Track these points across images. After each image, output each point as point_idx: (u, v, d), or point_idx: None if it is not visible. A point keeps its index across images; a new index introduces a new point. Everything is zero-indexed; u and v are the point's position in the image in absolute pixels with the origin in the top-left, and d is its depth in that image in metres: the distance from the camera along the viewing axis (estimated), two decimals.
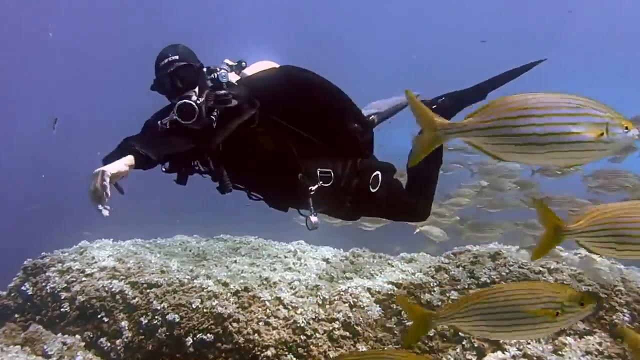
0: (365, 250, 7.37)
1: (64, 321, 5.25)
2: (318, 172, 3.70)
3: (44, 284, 5.66)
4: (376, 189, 3.96)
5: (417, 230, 8.05)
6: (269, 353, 4.81)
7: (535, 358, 4.70)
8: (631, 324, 4.94)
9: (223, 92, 3.45)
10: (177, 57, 3.47)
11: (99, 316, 5.21)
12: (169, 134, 3.40)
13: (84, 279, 5.52)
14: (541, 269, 5.52)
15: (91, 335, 5.11)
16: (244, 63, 3.78)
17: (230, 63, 3.72)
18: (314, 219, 3.75)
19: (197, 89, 3.46)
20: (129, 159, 3.08)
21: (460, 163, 8.59)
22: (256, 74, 3.80)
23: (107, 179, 2.89)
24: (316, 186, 3.68)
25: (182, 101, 3.36)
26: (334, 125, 3.76)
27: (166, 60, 3.45)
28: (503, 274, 5.54)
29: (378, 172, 3.98)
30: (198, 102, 3.39)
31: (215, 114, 3.38)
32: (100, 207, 3.28)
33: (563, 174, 7.22)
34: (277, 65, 3.95)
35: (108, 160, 3.70)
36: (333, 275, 6.18)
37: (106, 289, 5.36)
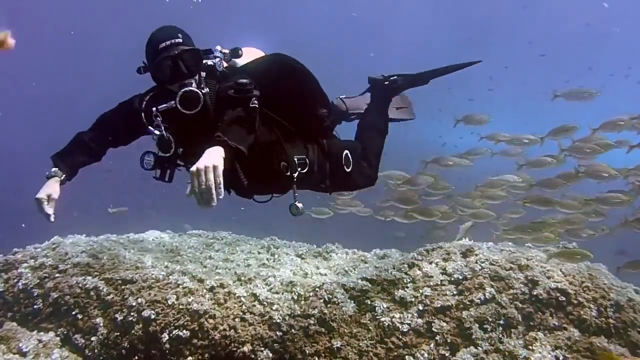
0: (337, 245, 7.44)
1: (37, 318, 5.19)
2: (296, 159, 3.76)
3: (15, 281, 5.57)
4: (350, 168, 4.10)
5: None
6: (245, 349, 4.84)
7: (507, 353, 4.81)
8: (597, 318, 5.08)
9: (245, 81, 3.36)
10: (180, 39, 3.37)
11: (73, 313, 5.16)
12: (235, 122, 3.23)
13: (57, 275, 5.46)
14: (512, 265, 5.64)
15: (65, 332, 5.06)
16: (240, 51, 3.72)
17: (224, 50, 3.65)
18: (299, 205, 3.81)
19: (197, 77, 3.39)
20: (222, 151, 2.88)
21: (507, 153, 8.20)
22: (252, 62, 3.79)
23: (221, 175, 2.75)
24: (297, 173, 3.74)
25: (188, 89, 3.29)
26: (311, 111, 3.83)
27: (169, 42, 3.33)
28: (475, 270, 5.64)
29: (347, 151, 4.12)
30: (203, 90, 3.34)
31: (255, 103, 3.31)
32: (49, 212, 3.26)
33: (610, 177, 6.86)
34: (263, 53, 3.98)
35: (62, 156, 3.63)
36: (307, 271, 6.23)
37: (80, 285, 5.32)
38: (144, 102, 3.55)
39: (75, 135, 3.73)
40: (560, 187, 7.18)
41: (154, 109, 3.39)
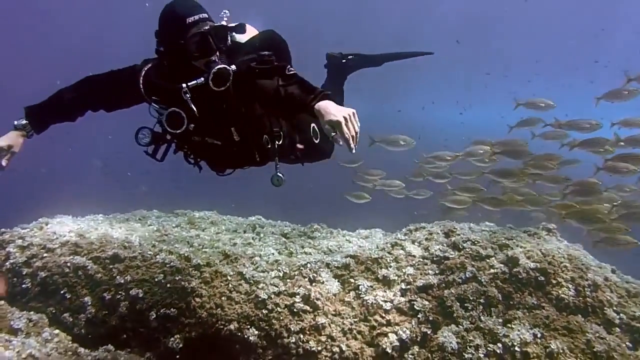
0: (322, 225, 7.51)
1: (25, 297, 5.22)
2: (274, 131, 3.85)
3: (3, 260, 5.58)
4: (318, 139, 4.21)
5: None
6: (231, 327, 4.92)
7: (486, 331, 4.93)
8: (575, 297, 5.21)
9: (267, 53, 3.48)
10: (206, 15, 3.40)
11: (61, 292, 5.19)
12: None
13: (45, 254, 5.48)
14: (493, 245, 5.75)
15: (54, 311, 5.10)
16: (245, 28, 3.73)
17: (230, 25, 3.65)
18: (281, 175, 3.91)
19: (217, 53, 3.45)
20: None
21: (549, 136, 8.13)
22: (252, 38, 3.88)
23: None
24: (276, 145, 3.84)
25: (222, 66, 3.35)
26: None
27: (197, 17, 3.35)
28: (457, 250, 5.76)
29: (314, 125, 4.22)
30: (232, 68, 3.41)
31: (292, 70, 3.45)
32: (3, 163, 3.26)
33: None
34: (257, 31, 4.05)
35: (37, 111, 3.59)
36: (292, 250, 6.30)
37: (68, 264, 5.33)
38: (147, 76, 3.58)
39: (57, 92, 3.69)
40: (630, 173, 6.97)
41: (183, 85, 3.41)
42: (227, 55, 3.58)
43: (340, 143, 2.95)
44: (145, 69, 3.60)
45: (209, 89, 3.40)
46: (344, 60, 5.19)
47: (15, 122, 3.50)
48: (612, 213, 6.76)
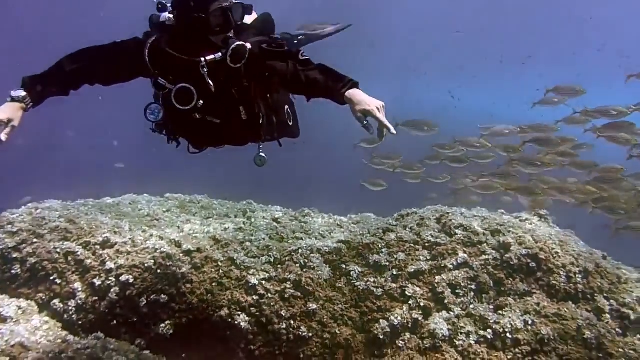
0: (314, 210, 7.48)
1: (15, 284, 5.18)
2: (257, 113, 3.86)
3: None
4: (292, 122, 4.25)
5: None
6: (222, 313, 4.91)
7: (478, 317, 4.94)
8: (567, 284, 5.23)
9: (279, 37, 3.61)
10: None
11: (51, 278, 5.16)
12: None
13: (34, 240, 5.43)
14: (484, 231, 5.74)
15: (44, 297, 5.08)
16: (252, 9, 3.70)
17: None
18: (263, 155, 3.94)
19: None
20: None
21: (573, 121, 8.20)
22: (256, 19, 3.90)
23: None
24: (259, 125, 3.87)
25: (240, 43, 3.38)
26: None
27: None
28: (448, 236, 5.75)
29: (287, 106, 4.26)
30: (248, 45, 3.43)
31: (306, 56, 3.52)
32: (2, 138, 3.08)
33: None
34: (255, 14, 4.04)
35: (37, 83, 3.41)
36: (283, 235, 6.27)
37: (58, 250, 5.30)
38: (153, 48, 3.51)
39: (57, 62, 3.52)
40: None
41: (202, 59, 3.39)
42: (237, 35, 3.56)
43: (371, 132, 3.13)
44: (151, 41, 3.52)
45: (224, 66, 3.40)
46: (295, 41, 5.24)
47: (12, 94, 3.28)
48: (632, 201, 6.80)
